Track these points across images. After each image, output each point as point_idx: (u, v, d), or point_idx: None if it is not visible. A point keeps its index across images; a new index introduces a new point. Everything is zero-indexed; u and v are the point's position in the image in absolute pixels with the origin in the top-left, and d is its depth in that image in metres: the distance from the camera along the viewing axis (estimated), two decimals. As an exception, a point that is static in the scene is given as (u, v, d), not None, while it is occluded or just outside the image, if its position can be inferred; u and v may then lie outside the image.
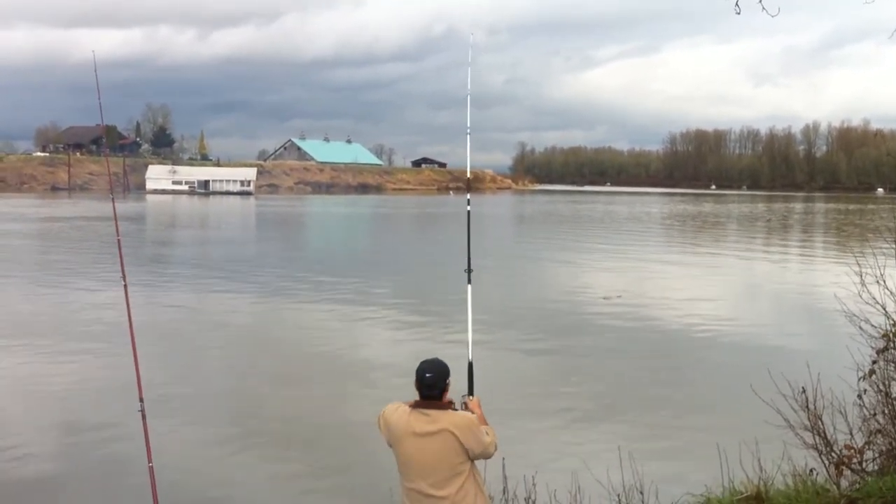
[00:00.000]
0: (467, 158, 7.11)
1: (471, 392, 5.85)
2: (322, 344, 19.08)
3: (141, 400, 5.82)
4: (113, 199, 8.15)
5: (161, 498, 5.71)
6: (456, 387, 5.66)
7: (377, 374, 16.07)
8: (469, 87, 7.41)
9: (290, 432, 12.64)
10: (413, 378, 5.22)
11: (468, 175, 7.49)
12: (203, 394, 14.62)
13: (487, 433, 5.26)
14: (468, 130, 7.31)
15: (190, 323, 21.51)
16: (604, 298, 25.81)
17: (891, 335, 7.38)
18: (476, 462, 5.30)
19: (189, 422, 12.76)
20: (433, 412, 5.14)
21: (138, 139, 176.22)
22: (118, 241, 6.84)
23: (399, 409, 5.26)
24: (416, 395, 5.22)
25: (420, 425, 5.12)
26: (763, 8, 7.49)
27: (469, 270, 6.51)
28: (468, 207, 6.93)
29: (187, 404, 13.58)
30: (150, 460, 5.78)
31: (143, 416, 5.75)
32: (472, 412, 5.45)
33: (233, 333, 20.43)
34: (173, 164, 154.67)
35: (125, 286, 6.43)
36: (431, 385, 5.15)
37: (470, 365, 6.06)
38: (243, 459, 11.45)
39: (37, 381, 15.39)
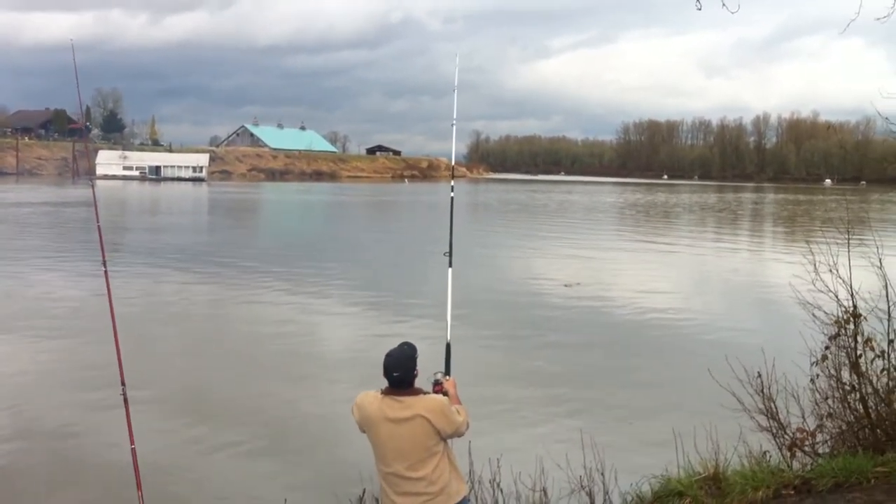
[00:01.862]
0: (452, 150, 7.27)
1: (447, 372, 6.02)
2: (289, 330, 19.08)
3: (123, 384, 5.89)
4: (93, 186, 8.20)
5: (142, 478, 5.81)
6: (429, 366, 5.82)
7: (344, 359, 16.16)
8: (456, 81, 7.59)
9: (262, 417, 12.69)
10: (381, 366, 5.37)
11: (453, 164, 7.64)
12: (174, 381, 14.59)
13: (459, 412, 5.43)
14: (454, 122, 7.49)
15: (152, 310, 21.37)
16: (565, 286, 26.10)
17: (842, 322, 7.63)
18: (448, 441, 5.48)
19: (164, 408, 12.76)
20: (406, 398, 5.30)
21: (88, 124, 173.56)
22: (98, 227, 6.86)
23: (371, 397, 5.40)
24: (385, 382, 5.38)
25: (393, 411, 5.27)
26: (723, 4, 7.71)
27: (450, 254, 6.70)
28: (452, 194, 7.11)
29: (159, 391, 13.55)
30: (132, 442, 5.87)
31: (126, 400, 5.83)
32: (447, 392, 5.62)
33: (196, 321, 20.36)
34: (124, 149, 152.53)
35: (105, 272, 6.49)
36: (401, 380, 5.31)
37: (448, 346, 6.23)
38: (216, 443, 11.51)
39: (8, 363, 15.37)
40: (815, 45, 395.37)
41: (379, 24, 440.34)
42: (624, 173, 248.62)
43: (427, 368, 5.96)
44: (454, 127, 7.61)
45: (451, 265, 6.71)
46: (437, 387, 5.66)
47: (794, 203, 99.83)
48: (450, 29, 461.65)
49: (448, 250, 6.74)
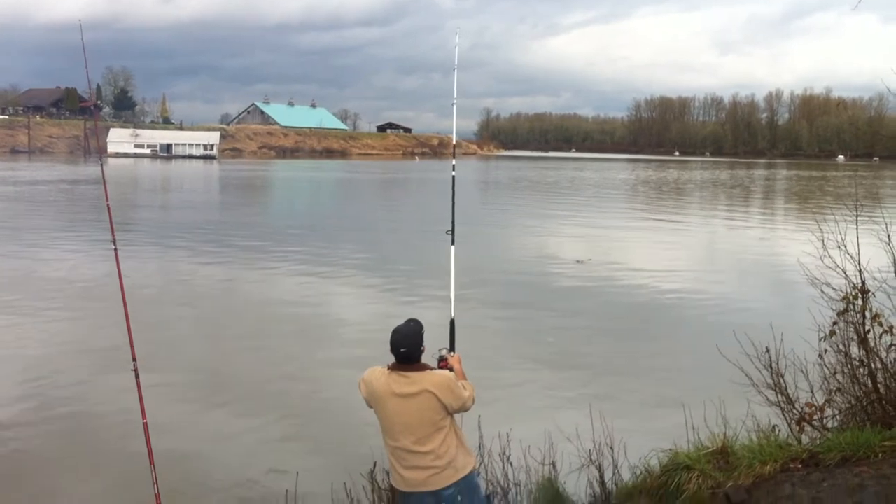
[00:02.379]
0: (453, 129, 7.34)
1: (452, 348, 6.09)
2: (302, 305, 19.22)
3: (134, 359, 5.97)
4: (102, 165, 8.24)
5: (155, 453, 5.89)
6: (436, 343, 5.90)
7: (356, 335, 16.21)
8: (455, 61, 7.62)
9: (274, 391, 12.80)
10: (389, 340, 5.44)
11: (453, 141, 7.68)
12: (184, 356, 14.71)
13: (465, 388, 5.51)
14: (454, 101, 7.53)
15: (164, 287, 21.52)
16: (577, 262, 26.16)
17: (850, 298, 7.64)
18: (455, 416, 5.55)
19: (176, 382, 12.88)
20: (412, 374, 5.37)
21: (99, 102, 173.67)
22: (108, 206, 6.94)
23: (378, 372, 5.48)
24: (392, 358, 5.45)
25: (400, 387, 5.34)
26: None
27: (452, 231, 6.76)
28: (453, 173, 7.15)
29: (170, 366, 13.66)
30: (144, 417, 5.96)
31: (137, 375, 5.90)
32: (452, 368, 5.69)
33: (208, 297, 20.46)
34: (135, 127, 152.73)
35: (115, 250, 6.55)
36: (408, 356, 5.38)
37: (452, 322, 6.29)
38: (228, 417, 11.62)
39: (22, 339, 15.55)
40: (829, 21, 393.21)
41: (390, 1, 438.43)
42: (635, 150, 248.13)
43: (437, 344, 6.04)
44: (454, 106, 7.69)
45: (453, 243, 6.77)
46: (442, 363, 5.73)
47: (806, 179, 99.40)
48: (461, 6, 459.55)
49: (450, 228, 6.79)
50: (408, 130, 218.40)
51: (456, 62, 7.69)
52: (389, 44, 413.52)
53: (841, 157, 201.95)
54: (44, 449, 10.47)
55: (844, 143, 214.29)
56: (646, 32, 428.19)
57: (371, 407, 5.53)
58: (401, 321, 5.62)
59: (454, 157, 7.35)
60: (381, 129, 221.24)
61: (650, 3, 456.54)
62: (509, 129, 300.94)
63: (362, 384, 5.52)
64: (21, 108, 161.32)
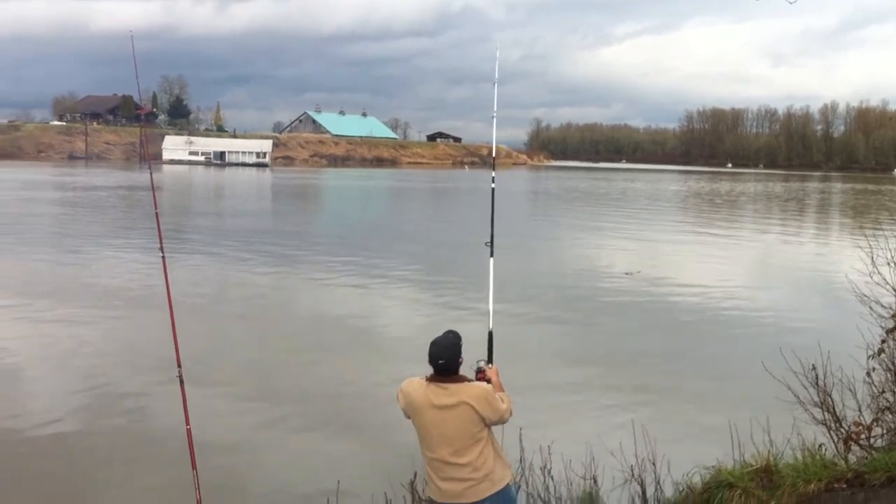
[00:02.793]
0: (493, 142, 7.35)
1: (490, 360, 6.09)
2: (347, 315, 19.38)
3: (179, 366, 6.05)
4: (151, 172, 8.39)
5: (198, 458, 5.98)
6: (475, 355, 5.91)
7: (400, 345, 16.32)
8: (496, 75, 7.66)
9: (317, 400, 12.92)
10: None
11: (493, 154, 7.70)
12: (232, 362, 14.91)
13: (503, 400, 5.50)
14: (494, 115, 7.56)
15: (218, 293, 21.83)
16: (626, 274, 26.04)
17: (900, 315, 7.54)
18: (493, 428, 5.55)
19: (222, 389, 13.05)
20: (451, 386, 5.37)
21: (155, 110, 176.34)
22: (156, 214, 7.06)
23: (417, 383, 5.49)
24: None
25: (439, 398, 5.35)
26: (782, -6, 7.64)
27: (491, 244, 6.79)
28: (493, 185, 7.18)
29: (217, 372, 13.84)
30: (187, 423, 6.04)
31: (181, 382, 5.99)
32: (490, 380, 5.69)
33: (258, 304, 20.68)
34: (189, 134, 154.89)
35: (163, 258, 6.67)
36: (446, 368, 5.39)
37: (490, 334, 6.30)
38: (272, 424, 11.75)
39: (76, 345, 15.84)
40: (886, 34, 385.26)
41: (440, 12, 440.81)
42: (686, 161, 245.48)
43: (480, 356, 6.05)
44: (494, 119, 7.72)
45: (492, 255, 6.81)
46: (480, 374, 5.73)
47: (861, 193, 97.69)
48: (512, 17, 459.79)
49: (490, 240, 6.83)
50: (457, 140, 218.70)
51: (496, 76, 7.72)
52: (438, 54, 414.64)
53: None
54: (90, 451, 10.68)
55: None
56: (697, 43, 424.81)
57: (409, 418, 5.55)
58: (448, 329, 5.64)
59: (494, 170, 7.36)
60: (431, 138, 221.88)
61: (701, 13, 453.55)
62: (559, 140, 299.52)
63: (400, 395, 5.55)
64: (79, 114, 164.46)
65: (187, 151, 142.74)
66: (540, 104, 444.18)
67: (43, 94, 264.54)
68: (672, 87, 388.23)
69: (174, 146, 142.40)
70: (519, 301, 20.36)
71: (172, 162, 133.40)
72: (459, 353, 5.44)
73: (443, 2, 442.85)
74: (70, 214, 43.97)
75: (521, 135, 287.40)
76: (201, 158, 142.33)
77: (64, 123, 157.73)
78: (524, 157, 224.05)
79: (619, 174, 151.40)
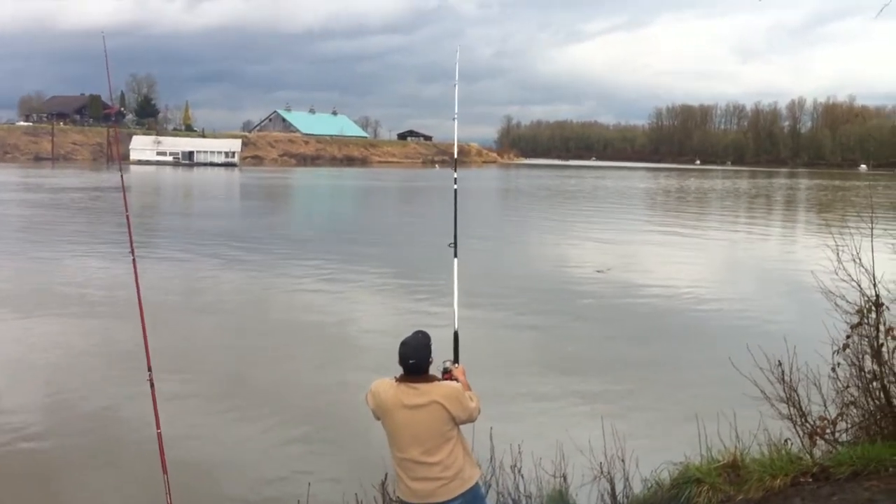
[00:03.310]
0: (454, 144, 7.42)
1: (456, 360, 6.12)
2: (317, 317, 19.32)
3: (149, 370, 6.02)
4: (122, 174, 8.34)
5: (169, 463, 5.96)
6: (444, 355, 5.93)
7: (370, 346, 16.29)
8: (456, 77, 7.71)
9: (288, 403, 12.89)
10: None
11: (455, 155, 7.74)
12: (201, 365, 14.83)
13: (472, 399, 5.54)
14: (455, 116, 7.61)
15: (186, 296, 21.68)
16: (597, 272, 26.18)
17: (864, 311, 7.61)
18: (462, 426, 5.58)
19: (192, 392, 12.99)
20: (421, 385, 5.40)
21: (123, 109, 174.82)
22: (126, 216, 7.01)
23: (386, 384, 5.51)
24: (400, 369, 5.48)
25: (409, 398, 5.37)
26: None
27: (455, 244, 6.82)
28: (455, 186, 7.21)
29: (187, 376, 13.76)
30: (158, 427, 6.01)
31: (152, 385, 5.96)
32: (457, 379, 5.71)
33: (228, 307, 20.59)
34: (157, 134, 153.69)
35: (133, 260, 6.62)
36: (417, 368, 5.41)
37: (455, 334, 6.33)
38: (242, 428, 11.70)
39: (43, 350, 15.68)
40: (853, 29, 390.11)
41: (413, 8, 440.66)
42: (656, 158, 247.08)
43: (446, 355, 6.07)
44: (455, 121, 7.84)
45: (455, 255, 6.85)
46: (447, 375, 5.75)
47: (827, 189, 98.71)
48: (485, 13, 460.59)
49: (453, 241, 6.87)
50: (428, 138, 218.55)
51: (457, 78, 7.77)
52: (411, 51, 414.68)
53: (863, 167, 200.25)
54: (59, 458, 10.58)
55: (868, 152, 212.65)
56: (667, 40, 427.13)
57: (378, 419, 5.56)
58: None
59: (455, 171, 7.43)
60: (402, 136, 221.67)
61: (672, 10, 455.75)
62: (530, 137, 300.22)
63: (369, 396, 5.56)
64: (45, 114, 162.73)
65: (155, 152, 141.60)
66: (512, 101, 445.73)
67: (9, 94, 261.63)
68: (642, 84, 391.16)
69: (142, 146, 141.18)
70: (489, 300, 20.44)
71: (140, 162, 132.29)
72: (429, 353, 5.46)
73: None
74: (36, 216, 43.47)
75: (492, 133, 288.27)
76: (169, 159, 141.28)
77: (30, 124, 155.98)
78: (494, 154, 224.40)
79: (589, 171, 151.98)
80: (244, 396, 13.08)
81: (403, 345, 5.44)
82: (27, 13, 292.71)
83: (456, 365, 5.92)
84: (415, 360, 5.39)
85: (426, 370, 5.43)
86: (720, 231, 43.49)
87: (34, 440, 11.12)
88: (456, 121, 7.78)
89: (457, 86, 7.71)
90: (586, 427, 9.22)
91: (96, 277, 23.61)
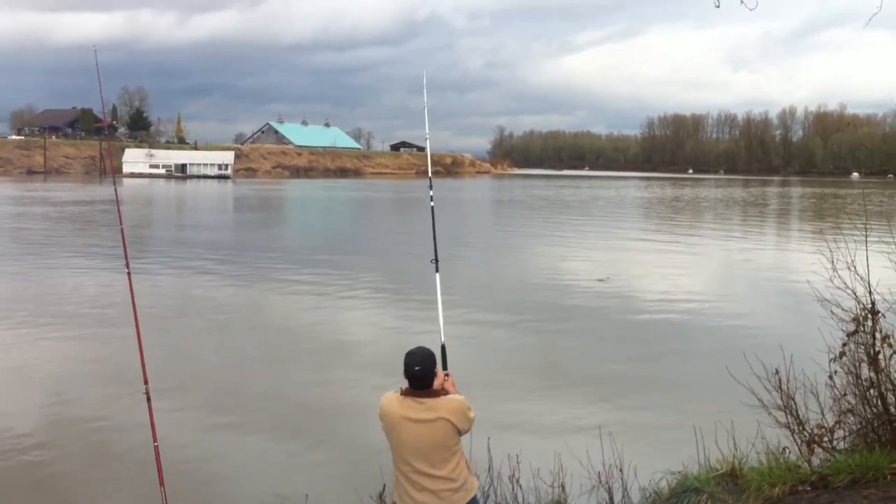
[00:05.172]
0: (428, 162, 7.56)
1: (445, 370, 6.13)
2: (314, 328, 19.28)
3: (146, 383, 6.01)
4: (116, 188, 8.32)
5: (166, 475, 5.94)
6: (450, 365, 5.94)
7: (365, 356, 16.29)
8: (426, 99, 7.87)
9: (285, 413, 12.84)
10: (401, 363, 5.45)
11: (429, 173, 7.86)
12: (197, 377, 14.79)
13: (470, 409, 5.54)
14: (426, 136, 7.79)
15: (182, 308, 21.61)
16: (598, 280, 26.25)
17: (860, 319, 7.63)
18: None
19: (189, 404, 12.95)
20: (427, 400, 5.38)
21: (115, 122, 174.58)
22: (121, 229, 7.01)
23: (392, 398, 5.48)
24: (404, 381, 5.47)
25: (416, 413, 5.35)
26: (741, 1, 7.77)
27: (436, 260, 6.89)
28: (432, 204, 7.34)
29: (184, 388, 13.74)
30: (155, 440, 6.00)
31: (149, 398, 5.95)
32: (447, 391, 5.71)
33: (224, 318, 20.50)
34: (150, 147, 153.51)
35: (129, 273, 6.62)
36: (422, 378, 5.39)
37: (443, 347, 6.36)
38: (240, 439, 11.67)
39: (39, 363, 15.62)
40: (842, 38, 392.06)
41: (404, 21, 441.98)
42: (649, 168, 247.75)
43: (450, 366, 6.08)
44: (427, 140, 8.06)
45: (437, 271, 6.90)
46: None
47: (819, 197, 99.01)
48: (476, 25, 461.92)
49: (434, 258, 6.95)
50: (421, 149, 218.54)
51: (426, 100, 7.90)
52: (403, 63, 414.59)
53: (855, 175, 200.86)
54: (56, 471, 10.53)
55: (859, 160, 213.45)
56: (659, 50, 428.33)
57: (387, 433, 5.54)
58: (413, 345, 5.64)
59: (431, 188, 7.57)
60: (395, 147, 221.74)
61: (664, 20, 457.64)
62: (522, 148, 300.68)
63: (379, 411, 5.54)
64: (37, 128, 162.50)
65: (148, 164, 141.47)
66: (503, 112, 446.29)
67: (0, 108, 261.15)
68: (634, 94, 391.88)
69: (134, 159, 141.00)
70: (487, 308, 20.48)
71: (133, 175, 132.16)
72: (434, 363, 5.45)
73: (408, 10, 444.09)
74: (31, 229, 43.39)
75: (484, 143, 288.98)
76: (162, 171, 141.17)
77: (22, 137, 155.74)
78: (487, 165, 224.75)
79: (584, 181, 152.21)
80: (241, 409, 13.04)
81: (409, 355, 5.42)
82: (19, 27, 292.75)
83: (446, 377, 5.90)
84: (420, 367, 5.36)
85: (431, 383, 5.42)
86: (716, 240, 43.54)
87: (31, 452, 11.06)
88: (427, 141, 8.08)
89: (426, 108, 7.89)
90: (584, 437, 9.24)
91: (92, 291, 23.55)
